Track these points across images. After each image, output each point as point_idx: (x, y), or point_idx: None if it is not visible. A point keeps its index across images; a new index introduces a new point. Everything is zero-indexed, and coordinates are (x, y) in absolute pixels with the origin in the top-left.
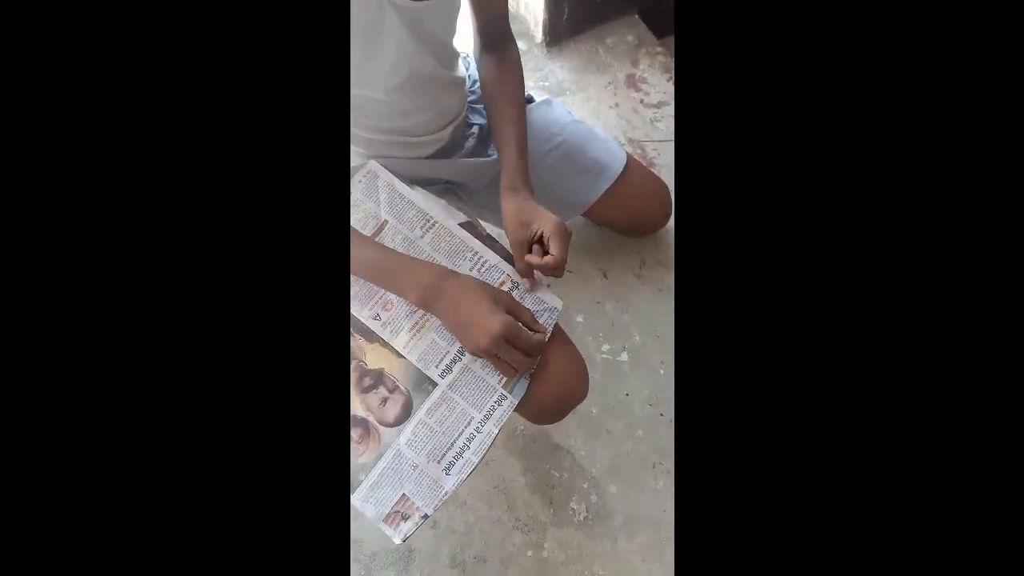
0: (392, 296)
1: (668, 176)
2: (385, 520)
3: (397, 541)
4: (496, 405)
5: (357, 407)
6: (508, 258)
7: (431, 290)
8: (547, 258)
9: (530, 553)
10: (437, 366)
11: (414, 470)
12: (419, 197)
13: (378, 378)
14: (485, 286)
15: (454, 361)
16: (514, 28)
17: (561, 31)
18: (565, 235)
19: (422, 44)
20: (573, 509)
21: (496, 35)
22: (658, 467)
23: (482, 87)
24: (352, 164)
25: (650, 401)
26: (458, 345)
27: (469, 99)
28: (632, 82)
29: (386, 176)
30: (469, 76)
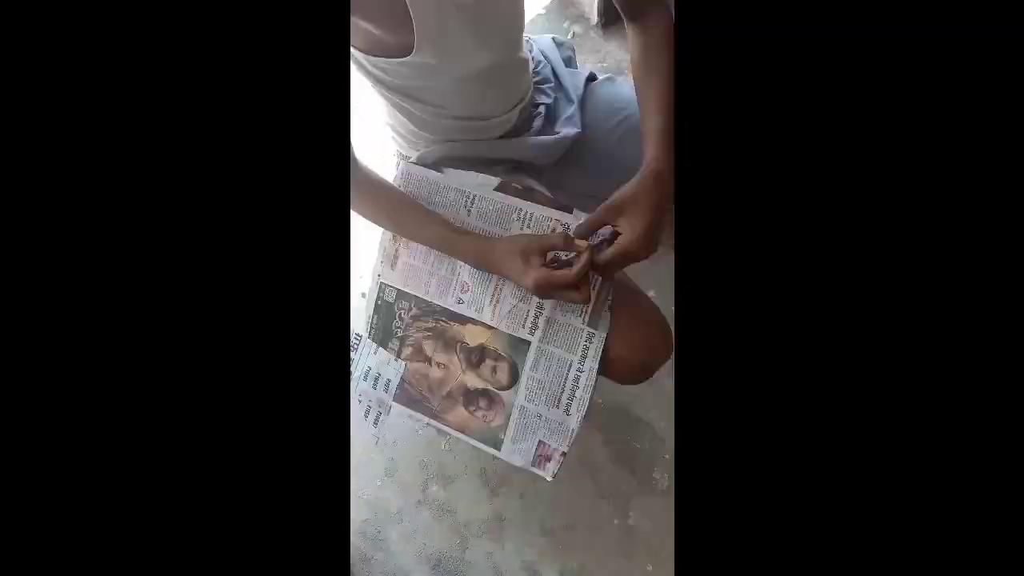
0: (466, 278)
1: None
2: (532, 464)
3: (548, 478)
4: (588, 343)
5: (476, 381)
6: (553, 204)
7: (480, 262)
8: (598, 254)
9: (616, 521)
10: (524, 326)
11: (539, 419)
12: (451, 179)
13: (481, 352)
14: (514, 244)
15: (537, 316)
16: (570, 11)
17: (616, 12)
18: (627, 258)
19: (487, 36)
20: (655, 479)
21: (636, 2)
22: None
23: (630, 60)
24: (418, 153)
25: None
26: (535, 302)
27: (535, 80)
28: None
29: (417, 171)
30: (532, 58)
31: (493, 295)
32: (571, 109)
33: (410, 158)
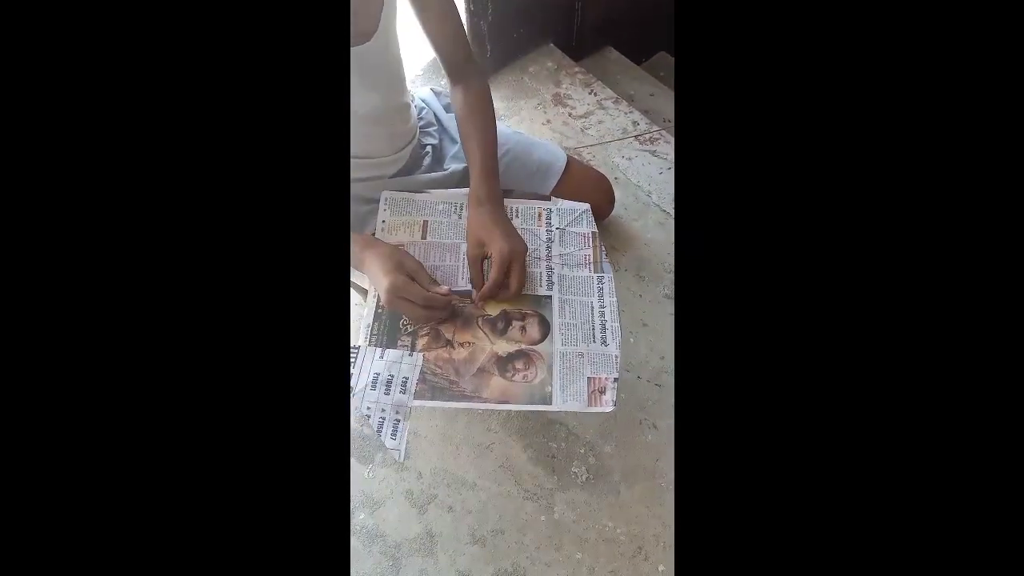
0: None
1: (605, 172)
2: (589, 403)
3: (608, 410)
4: (600, 285)
5: (507, 346)
6: (531, 196)
7: (356, 259)
8: (484, 288)
9: (543, 518)
10: (540, 285)
11: (582, 357)
12: (437, 196)
13: (505, 317)
14: (393, 254)
15: (549, 275)
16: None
17: (487, 66)
18: (505, 262)
19: (370, 81)
20: (575, 473)
21: (455, 67)
22: (644, 423)
23: (456, 116)
24: None
25: (627, 367)
26: (544, 264)
27: (420, 124)
28: (558, 100)
29: (400, 196)
30: (415, 106)
31: None
32: (456, 148)
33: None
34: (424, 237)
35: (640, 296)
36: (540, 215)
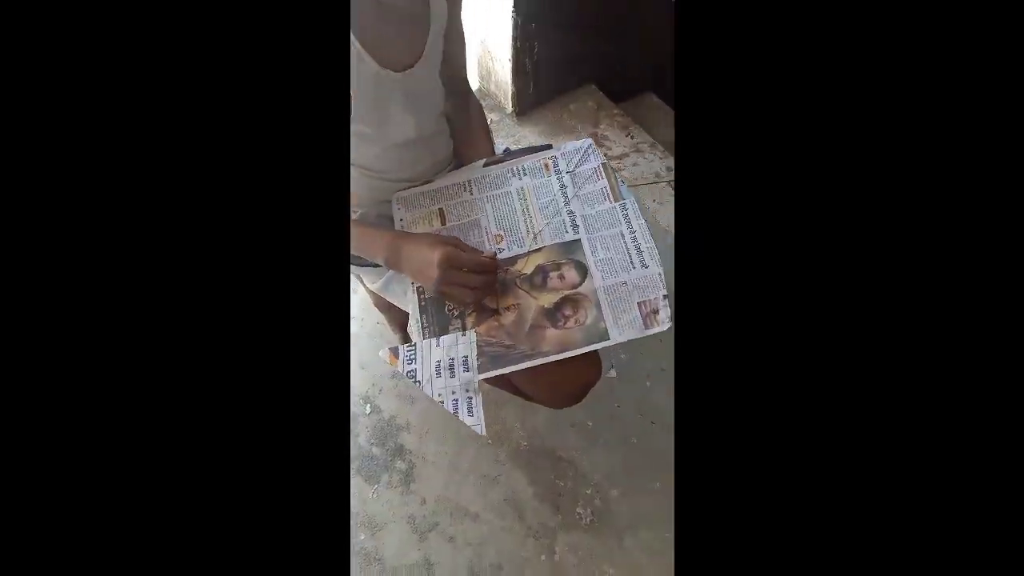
0: (494, 229)
1: None
2: (645, 327)
3: (667, 327)
4: (624, 212)
5: (551, 297)
6: (532, 149)
7: (391, 252)
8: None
9: (543, 558)
10: (567, 231)
11: (626, 285)
12: (443, 180)
13: (541, 271)
14: (431, 235)
15: (573, 219)
16: (487, 102)
17: (529, 101)
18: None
19: (415, 106)
20: (579, 513)
21: (459, 92)
22: (653, 470)
23: (452, 133)
24: (359, 212)
25: (640, 411)
26: (566, 210)
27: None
28: (596, 140)
29: (409, 194)
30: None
31: (526, 226)
32: None
33: (357, 211)
34: (444, 223)
35: (660, 341)
36: (547, 165)
